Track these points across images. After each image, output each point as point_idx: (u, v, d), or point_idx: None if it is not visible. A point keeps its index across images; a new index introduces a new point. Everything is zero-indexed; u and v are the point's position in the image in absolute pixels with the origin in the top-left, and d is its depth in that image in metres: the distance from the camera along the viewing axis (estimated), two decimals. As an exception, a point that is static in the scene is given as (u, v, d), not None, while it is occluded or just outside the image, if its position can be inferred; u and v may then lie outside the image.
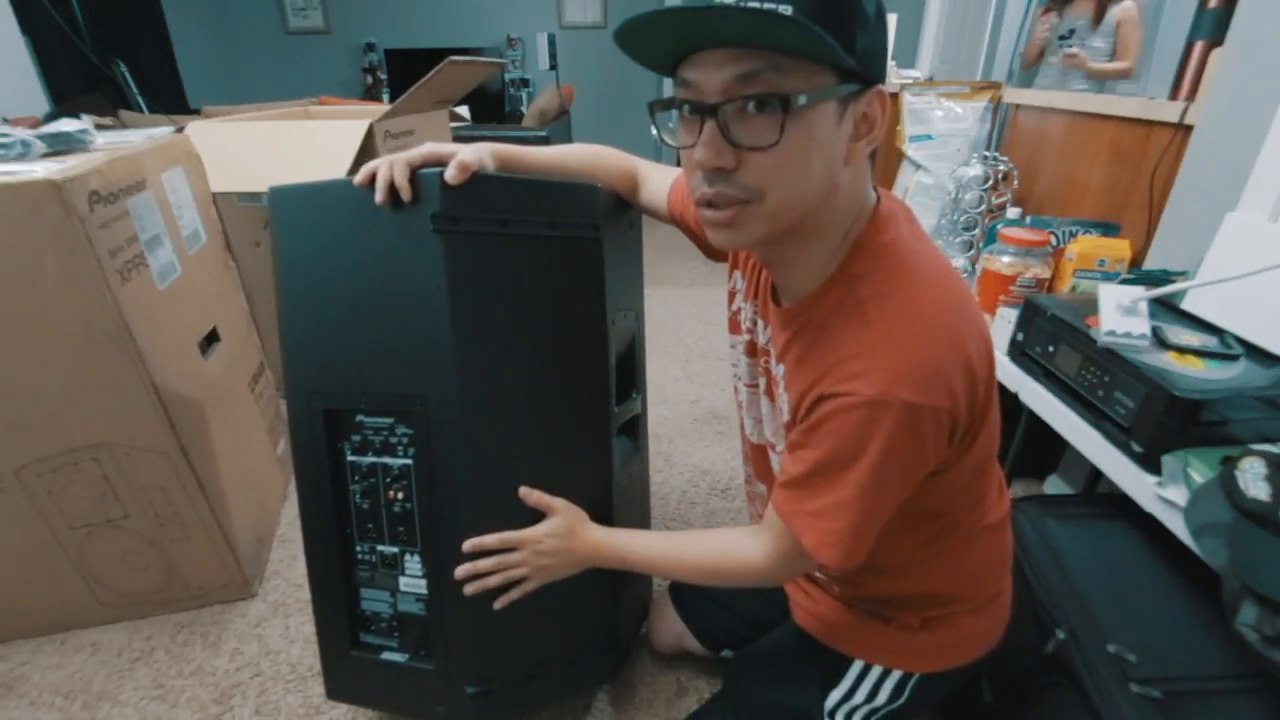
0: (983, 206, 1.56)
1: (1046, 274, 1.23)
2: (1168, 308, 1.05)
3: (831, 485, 0.58)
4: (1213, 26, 1.21)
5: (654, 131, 0.58)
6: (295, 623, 1.18)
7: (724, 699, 0.88)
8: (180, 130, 1.47)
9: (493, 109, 5.05)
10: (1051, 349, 1.04)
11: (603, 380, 0.84)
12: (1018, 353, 1.13)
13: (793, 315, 0.64)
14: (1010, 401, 1.09)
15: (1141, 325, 0.92)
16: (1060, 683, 0.78)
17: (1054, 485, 1.51)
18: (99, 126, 1.56)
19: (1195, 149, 1.14)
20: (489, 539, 0.76)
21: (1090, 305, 0.99)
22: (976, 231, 1.58)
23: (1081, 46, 2.18)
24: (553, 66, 4.32)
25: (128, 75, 2.75)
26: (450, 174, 0.67)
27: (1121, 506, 0.94)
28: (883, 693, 0.77)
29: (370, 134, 1.61)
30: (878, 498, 0.58)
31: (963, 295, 0.58)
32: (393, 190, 0.68)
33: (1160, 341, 0.92)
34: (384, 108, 1.86)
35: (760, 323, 0.73)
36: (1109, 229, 1.33)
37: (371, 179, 0.69)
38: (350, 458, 0.80)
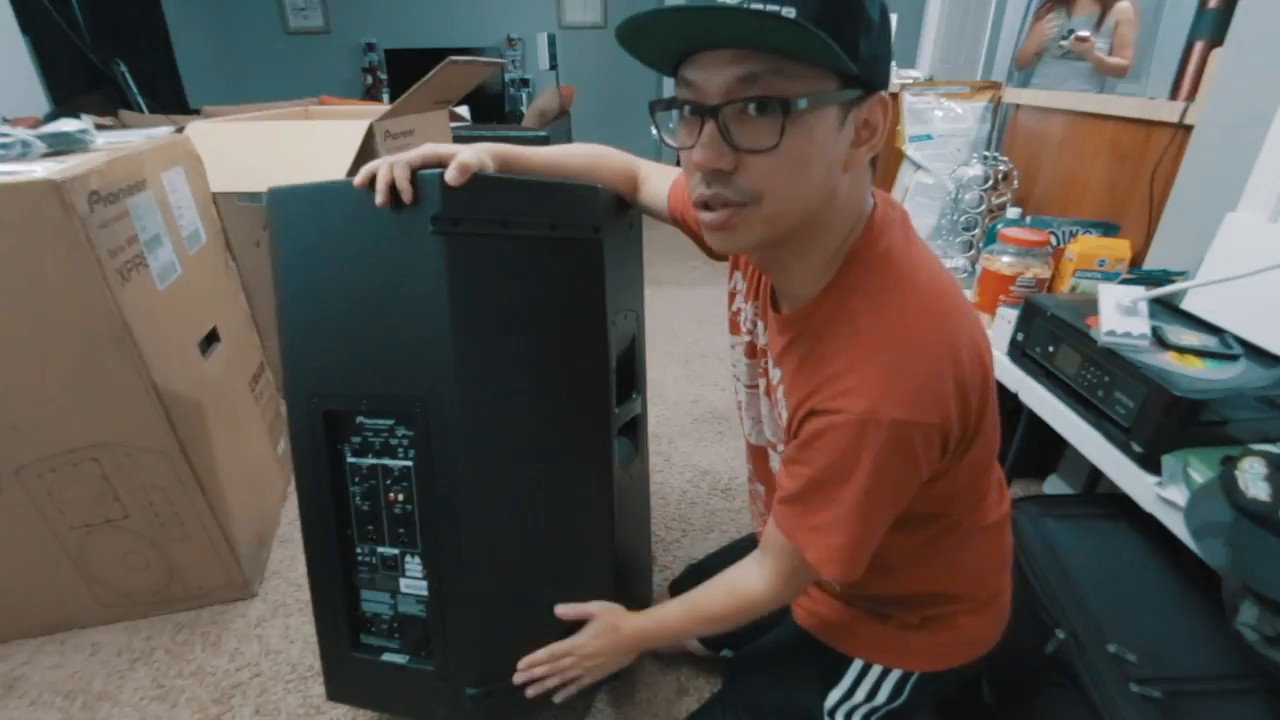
0: (983, 206, 1.56)
1: (1046, 274, 1.23)
2: (1168, 308, 1.05)
3: (828, 502, 0.59)
4: (1213, 26, 1.21)
5: (654, 132, 0.58)
6: (295, 623, 1.18)
7: (724, 699, 0.88)
8: (180, 130, 1.47)
9: (493, 109, 5.05)
10: (1051, 349, 1.04)
11: (603, 381, 0.84)
12: (1018, 353, 1.13)
13: (789, 323, 0.64)
14: (1010, 401, 1.09)
15: (1141, 325, 0.92)
16: (1060, 683, 0.78)
17: (1054, 485, 1.51)
18: (99, 126, 1.56)
19: (1195, 149, 1.14)
20: (539, 657, 0.80)
21: (1090, 305, 0.99)
22: (976, 231, 1.58)
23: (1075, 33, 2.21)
24: (553, 66, 4.32)
25: (128, 75, 2.75)
26: (450, 175, 0.67)
27: (1121, 506, 0.94)
28: (882, 692, 0.77)
29: (370, 134, 1.61)
30: (873, 511, 0.58)
31: (956, 305, 0.58)
32: (393, 191, 0.68)
33: (1160, 341, 0.92)
34: (384, 108, 1.86)
35: (760, 324, 0.73)
36: (1109, 229, 1.33)
37: (371, 180, 0.69)
38: (350, 459, 0.80)
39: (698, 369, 2.13)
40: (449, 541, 0.77)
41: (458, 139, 2.17)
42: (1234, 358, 0.89)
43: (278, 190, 0.75)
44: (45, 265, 0.88)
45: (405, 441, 0.77)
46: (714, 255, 0.83)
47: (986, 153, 1.64)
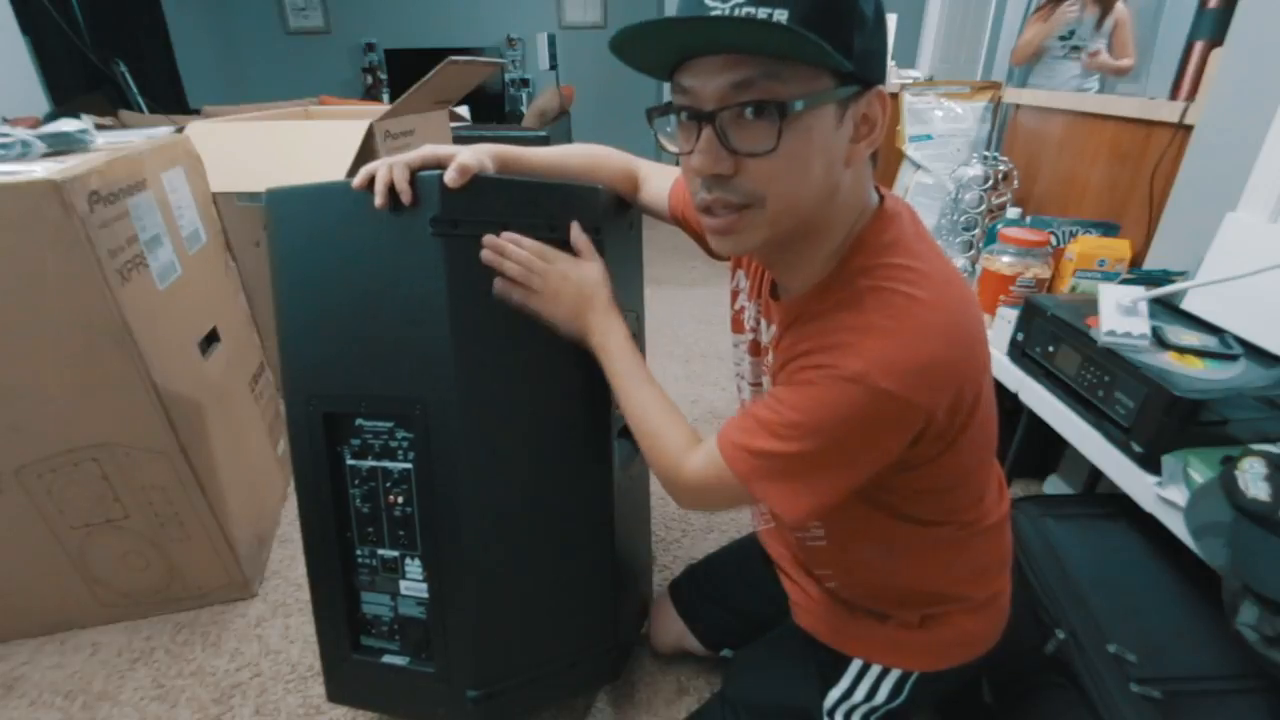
0: (983, 206, 1.56)
1: (1046, 274, 1.23)
2: (1168, 308, 1.05)
3: (773, 436, 0.57)
4: (1213, 26, 1.21)
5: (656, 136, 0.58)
6: (295, 623, 1.18)
7: (724, 699, 0.88)
8: (180, 130, 1.47)
9: (493, 109, 5.05)
10: (1051, 349, 1.04)
11: (603, 382, 0.84)
12: (1018, 353, 1.13)
13: (791, 307, 0.64)
14: (1010, 401, 1.09)
15: (1141, 325, 0.92)
16: (1060, 683, 0.78)
17: (1054, 485, 1.51)
18: (99, 126, 1.56)
19: (1195, 149, 1.14)
20: (528, 241, 0.72)
21: (1090, 305, 0.99)
22: (976, 231, 1.58)
23: (1085, 46, 2.24)
24: (553, 66, 4.32)
25: (128, 75, 2.75)
26: (450, 176, 0.67)
27: (1121, 506, 0.94)
28: (882, 691, 0.77)
29: (370, 134, 1.61)
30: (819, 466, 0.57)
31: (964, 297, 0.58)
32: (392, 193, 0.68)
33: (1160, 341, 0.92)
34: (384, 108, 1.86)
35: (763, 322, 0.73)
36: (1109, 229, 1.33)
37: (370, 181, 0.69)
38: (350, 461, 0.80)
39: (698, 369, 2.13)
40: (449, 543, 0.77)
41: (458, 139, 2.17)
42: (1234, 358, 0.89)
43: (276, 191, 0.75)
44: (45, 265, 0.88)
45: (405, 444, 0.77)
46: (715, 255, 0.83)
47: (986, 153, 1.64)
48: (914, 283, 0.55)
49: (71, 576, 1.11)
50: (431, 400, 0.73)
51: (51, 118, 1.39)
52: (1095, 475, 1.27)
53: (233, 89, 4.76)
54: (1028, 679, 0.83)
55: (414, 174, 0.69)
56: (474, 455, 0.75)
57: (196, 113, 2.40)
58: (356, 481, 0.80)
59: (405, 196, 0.68)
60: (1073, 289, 1.21)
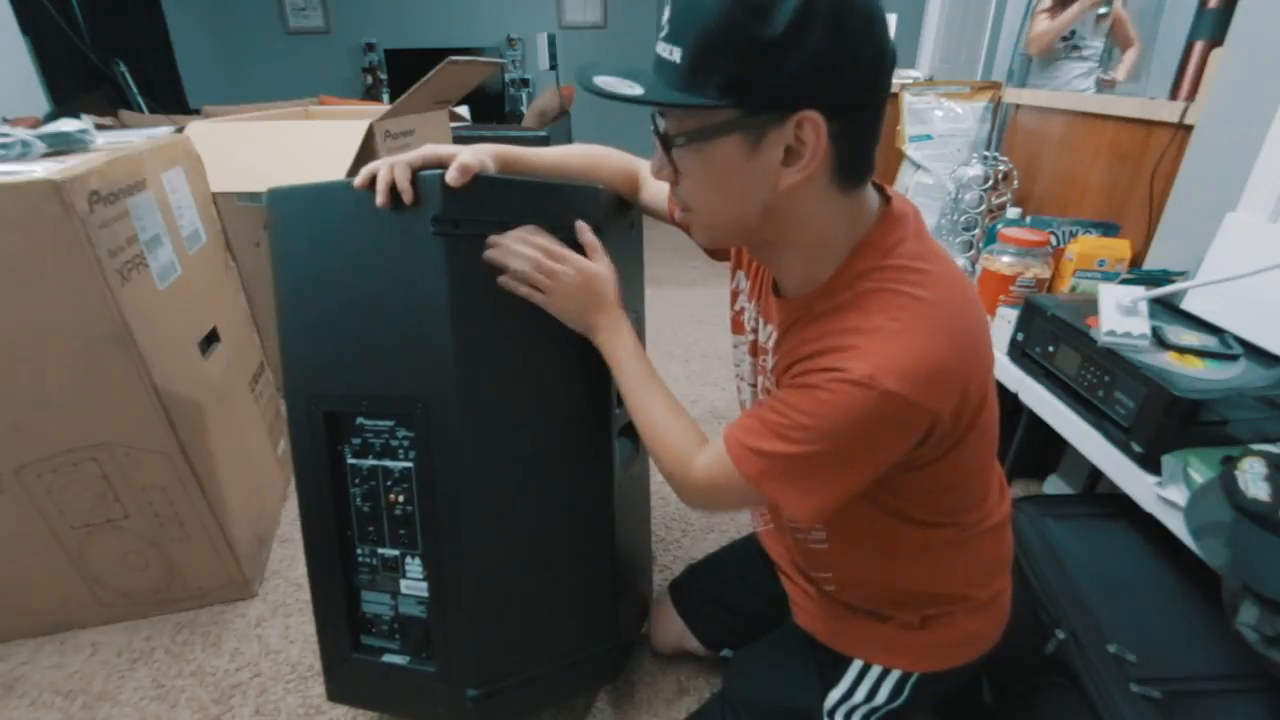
0: (983, 206, 1.56)
1: (1046, 274, 1.23)
2: (1168, 308, 1.05)
3: (782, 438, 0.58)
4: (1213, 26, 1.21)
5: None
6: (295, 623, 1.18)
7: (724, 699, 0.88)
8: (180, 130, 1.47)
9: (493, 109, 5.05)
10: (1051, 349, 1.04)
11: (604, 382, 0.84)
12: (1018, 353, 1.13)
13: (793, 308, 0.64)
14: (1010, 401, 1.09)
15: (1141, 325, 0.92)
16: (1060, 683, 0.78)
17: (1054, 485, 1.51)
18: (99, 126, 1.56)
19: (1195, 149, 1.15)
20: (540, 238, 0.72)
21: (1090, 305, 0.99)
22: (976, 231, 1.58)
23: (1085, 49, 2.29)
24: (553, 67, 4.32)
25: (128, 75, 2.75)
26: (451, 176, 0.67)
27: (1121, 506, 0.94)
28: (882, 692, 0.77)
29: (370, 134, 1.61)
30: (827, 467, 0.57)
31: (968, 298, 0.58)
32: (393, 192, 0.68)
33: (1160, 341, 0.92)
34: (384, 108, 1.86)
35: (762, 322, 0.73)
36: (1109, 229, 1.33)
37: (371, 181, 0.69)
38: (351, 460, 0.80)
39: (698, 369, 2.13)
40: (450, 543, 0.77)
41: (458, 139, 2.17)
42: (1234, 358, 0.89)
43: (277, 191, 0.75)
44: (45, 265, 0.87)
45: (406, 443, 0.77)
46: (715, 255, 0.83)
47: (986, 153, 1.65)
48: (919, 284, 0.56)
49: (71, 576, 1.11)
50: (432, 399, 0.73)
51: (51, 118, 1.39)
52: (1095, 475, 1.27)
53: (233, 89, 4.76)
54: (1028, 679, 0.83)
55: (415, 173, 0.69)
56: (475, 454, 0.75)
57: (196, 113, 2.40)
58: (357, 480, 0.80)
59: (407, 196, 0.68)
60: (1073, 289, 1.21)
